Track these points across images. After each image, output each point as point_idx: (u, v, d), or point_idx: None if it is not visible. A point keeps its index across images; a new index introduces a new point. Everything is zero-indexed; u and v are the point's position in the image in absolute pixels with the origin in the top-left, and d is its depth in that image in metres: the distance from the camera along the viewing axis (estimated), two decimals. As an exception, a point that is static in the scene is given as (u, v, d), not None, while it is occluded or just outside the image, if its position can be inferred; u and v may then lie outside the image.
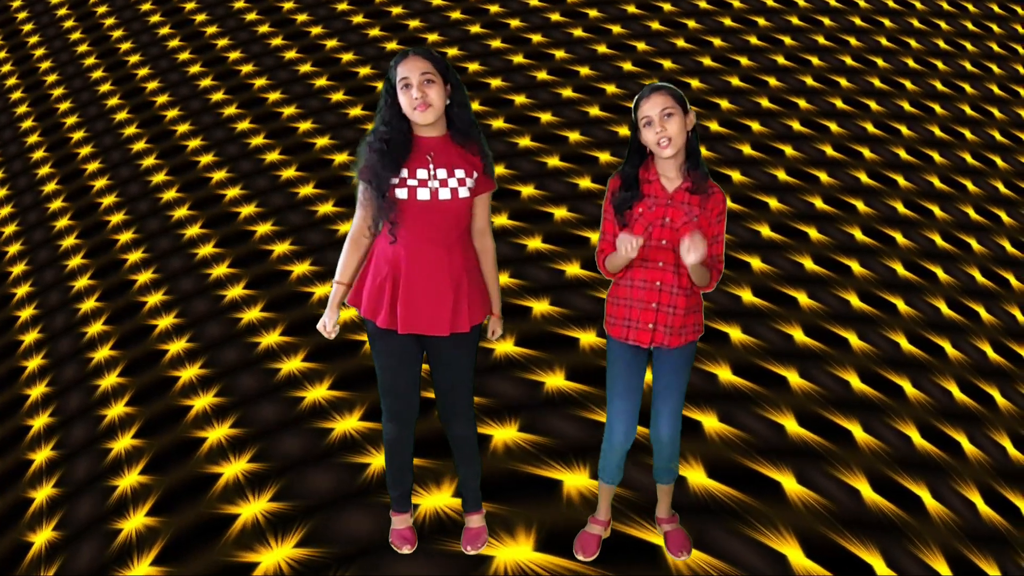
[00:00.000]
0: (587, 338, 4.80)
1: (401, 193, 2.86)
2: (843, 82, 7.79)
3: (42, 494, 4.31)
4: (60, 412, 4.86)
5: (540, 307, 5.04)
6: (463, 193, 2.91)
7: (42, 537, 4.03)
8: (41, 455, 4.59)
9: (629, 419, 3.13)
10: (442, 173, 2.89)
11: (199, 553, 3.61)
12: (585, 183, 6.21)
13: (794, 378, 4.63)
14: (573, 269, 5.37)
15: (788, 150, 6.80)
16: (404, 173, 2.86)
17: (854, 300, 5.38)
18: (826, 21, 8.65)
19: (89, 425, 4.67)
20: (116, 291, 5.78)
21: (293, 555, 3.53)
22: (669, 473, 3.34)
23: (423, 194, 2.87)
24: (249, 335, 5.04)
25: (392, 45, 8.06)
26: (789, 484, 3.94)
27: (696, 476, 3.91)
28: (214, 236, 6.06)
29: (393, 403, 3.13)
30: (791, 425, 4.32)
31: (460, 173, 2.91)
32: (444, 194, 2.88)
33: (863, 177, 6.65)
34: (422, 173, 2.87)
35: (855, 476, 4.05)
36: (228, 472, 4.05)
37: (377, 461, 3.99)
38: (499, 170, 6.17)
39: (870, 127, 7.26)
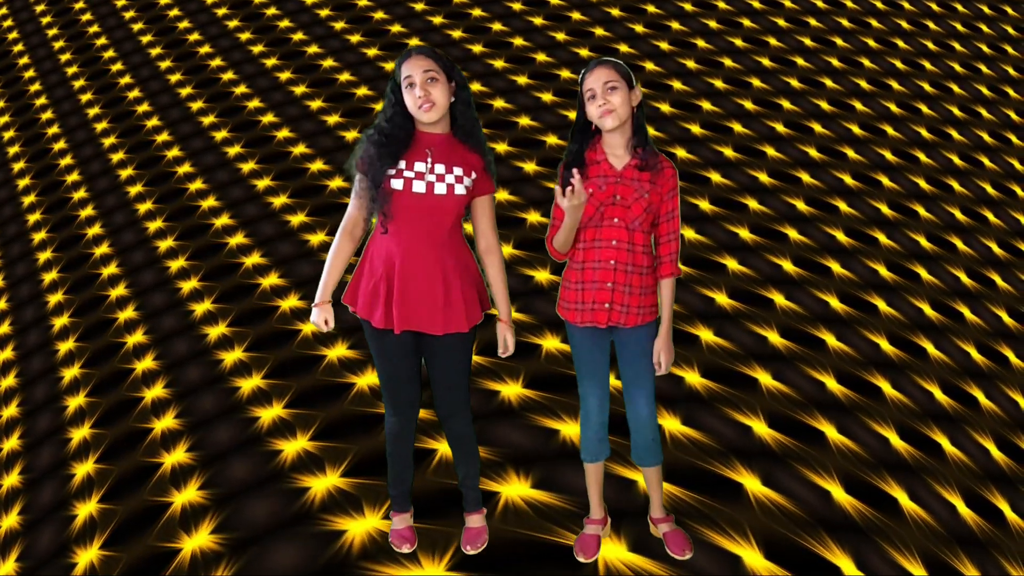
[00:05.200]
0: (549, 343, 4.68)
1: (397, 184, 2.85)
2: (828, 83, 7.68)
3: (8, 482, 4.43)
4: (26, 403, 4.97)
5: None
6: (459, 191, 2.88)
7: (8, 522, 4.15)
8: (8, 444, 4.70)
9: (601, 393, 3.14)
10: (440, 168, 2.88)
11: (139, 538, 3.74)
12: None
13: (766, 380, 4.51)
14: (542, 275, 5.25)
15: (770, 151, 6.69)
16: (401, 164, 2.86)
17: (833, 302, 5.25)
18: (812, 22, 8.55)
19: (53, 416, 4.78)
20: (82, 284, 5.87)
21: (208, 541, 3.62)
22: (652, 453, 3.23)
23: (418, 187, 2.86)
24: (197, 328, 5.12)
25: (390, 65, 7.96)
26: (673, 425, 4.07)
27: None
28: (180, 238, 6.01)
29: (394, 398, 3.11)
30: (692, 377, 4.45)
31: (458, 171, 2.89)
32: (440, 189, 2.86)
33: (847, 178, 6.54)
34: (420, 166, 2.87)
35: (750, 416, 4.17)
36: (168, 462, 4.15)
37: (290, 447, 4.05)
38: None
39: (856, 128, 7.15)
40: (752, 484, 3.81)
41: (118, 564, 3.62)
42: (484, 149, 2.96)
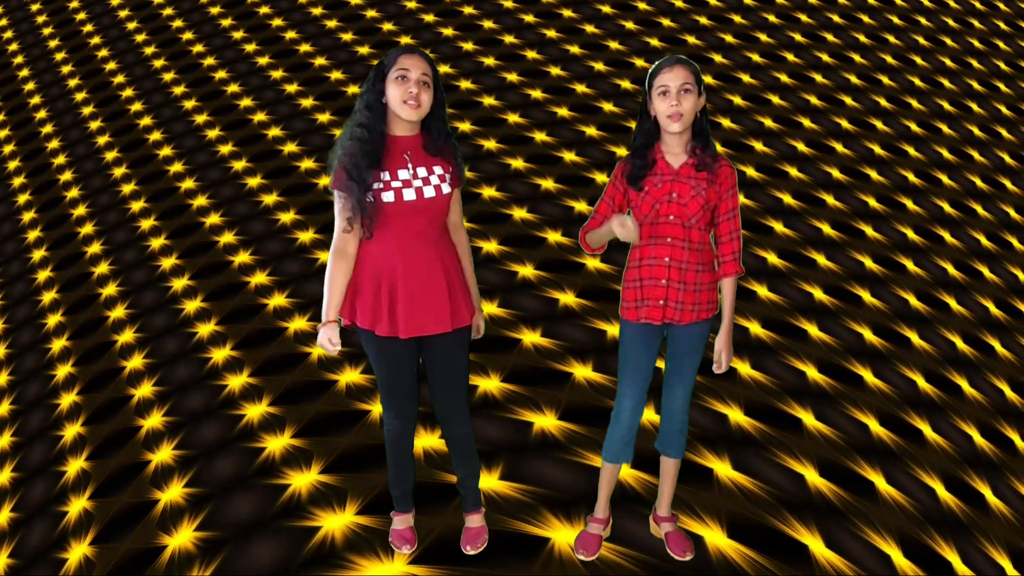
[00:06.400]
0: (531, 337, 4.70)
1: (388, 197, 2.83)
2: (818, 78, 7.71)
3: (2, 478, 4.51)
4: (19, 401, 5.03)
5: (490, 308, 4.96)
6: (446, 189, 2.91)
7: (2, 517, 4.23)
8: (1, 442, 4.76)
9: (638, 396, 3.12)
10: (422, 171, 2.89)
11: (127, 535, 3.77)
12: (548, 184, 6.13)
13: (745, 369, 4.54)
14: (527, 270, 5.29)
15: (758, 146, 6.72)
16: (386, 176, 2.85)
17: (818, 293, 5.28)
18: (803, 18, 8.59)
19: (45, 414, 4.85)
20: (68, 263, 6.00)
21: (191, 538, 3.65)
22: (677, 444, 3.25)
23: (409, 195, 2.85)
24: (187, 326, 5.17)
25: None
26: (654, 417, 3.84)
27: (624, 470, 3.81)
28: (173, 236, 6.04)
29: (396, 402, 3.13)
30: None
31: (439, 170, 2.92)
32: (429, 192, 2.87)
33: (835, 172, 6.56)
34: (404, 174, 2.86)
35: (729, 404, 4.11)
36: (156, 459, 4.20)
37: (271, 445, 4.09)
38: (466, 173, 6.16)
39: (845, 123, 7.18)
40: (723, 469, 3.84)
41: (113, 557, 3.64)
42: (455, 151, 2.97)
